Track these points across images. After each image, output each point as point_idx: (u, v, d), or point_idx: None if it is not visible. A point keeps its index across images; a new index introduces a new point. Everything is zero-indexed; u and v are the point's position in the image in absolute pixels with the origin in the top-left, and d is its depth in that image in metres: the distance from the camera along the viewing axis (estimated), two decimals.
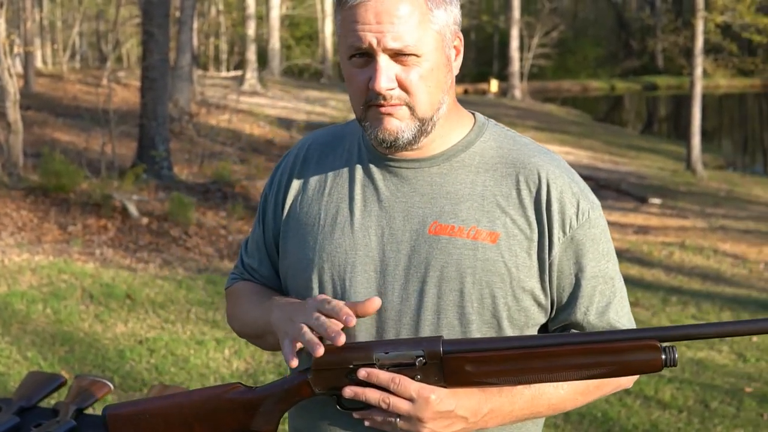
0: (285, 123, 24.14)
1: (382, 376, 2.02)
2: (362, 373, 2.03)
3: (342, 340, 2.01)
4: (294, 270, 2.26)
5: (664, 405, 6.92)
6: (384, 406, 2.02)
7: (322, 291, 2.19)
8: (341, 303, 2.06)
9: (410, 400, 2.01)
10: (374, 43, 2.03)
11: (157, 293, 9.54)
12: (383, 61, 2.05)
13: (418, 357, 2.02)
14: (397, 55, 2.06)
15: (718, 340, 8.52)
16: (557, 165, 2.20)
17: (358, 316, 2.07)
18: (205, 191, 14.74)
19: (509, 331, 2.15)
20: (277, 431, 2.17)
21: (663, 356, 1.96)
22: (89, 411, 3.25)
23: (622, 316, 2.21)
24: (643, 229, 15.52)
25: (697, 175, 23.01)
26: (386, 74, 2.05)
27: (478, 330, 2.13)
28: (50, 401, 3.84)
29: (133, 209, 12.52)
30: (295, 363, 2.05)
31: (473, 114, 2.29)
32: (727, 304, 10.31)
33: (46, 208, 12.61)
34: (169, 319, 8.62)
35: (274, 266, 2.40)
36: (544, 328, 2.23)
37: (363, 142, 2.26)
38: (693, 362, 7.92)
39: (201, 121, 21.76)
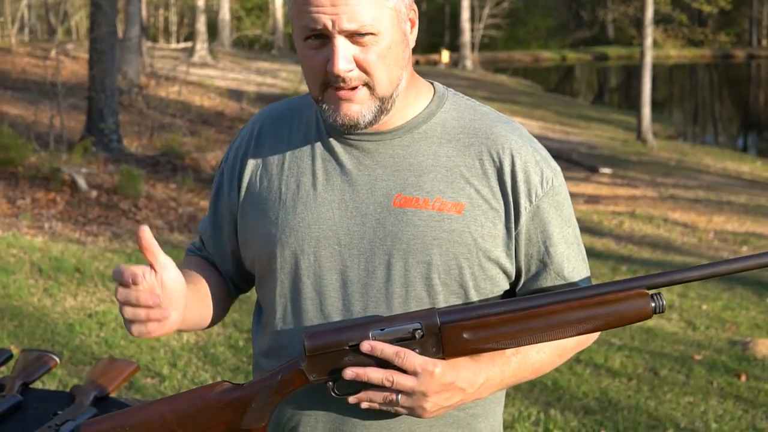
0: (235, 94, 24.03)
1: (387, 349, 1.99)
2: (366, 346, 1.99)
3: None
4: (256, 245, 2.23)
5: (613, 373, 6.97)
6: (388, 384, 1.99)
7: (284, 266, 2.17)
8: (124, 266, 2.00)
9: (414, 374, 1.99)
10: (329, 24, 1.99)
11: (106, 266, 9.47)
12: (340, 42, 2.00)
13: (416, 330, 2.00)
14: (353, 36, 2.01)
15: (668, 308, 8.59)
16: (519, 134, 2.20)
17: (145, 251, 2.00)
18: (155, 163, 14.65)
19: (476, 300, 2.14)
20: (267, 427, 2.10)
21: (652, 303, 2.02)
22: (36, 385, 3.22)
23: (585, 277, 2.23)
24: (593, 199, 15.61)
25: (647, 144, 23.19)
26: (344, 56, 2.01)
27: (445, 300, 2.12)
28: None
29: (82, 182, 12.41)
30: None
31: (432, 84, 2.27)
32: None
33: None
34: None
35: (223, 240, 2.37)
36: (508, 294, 2.22)
37: (321, 116, 2.21)
38: (642, 330, 7.97)
39: (150, 93, 21.61)
